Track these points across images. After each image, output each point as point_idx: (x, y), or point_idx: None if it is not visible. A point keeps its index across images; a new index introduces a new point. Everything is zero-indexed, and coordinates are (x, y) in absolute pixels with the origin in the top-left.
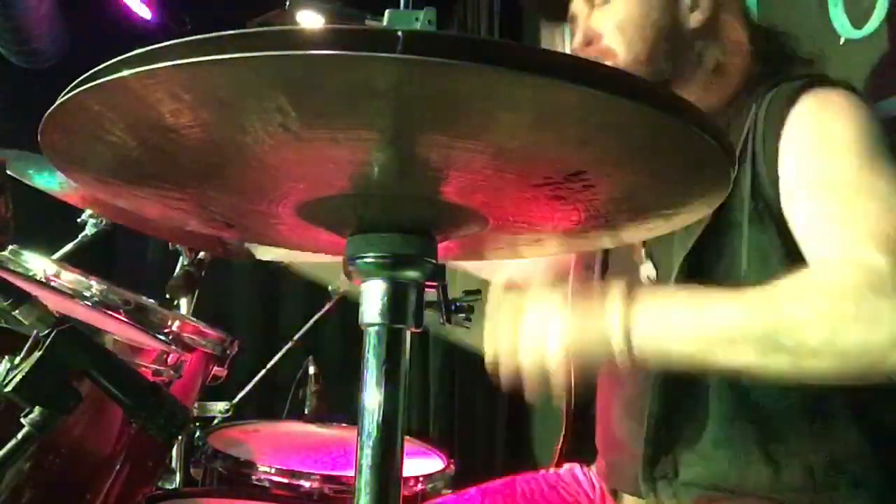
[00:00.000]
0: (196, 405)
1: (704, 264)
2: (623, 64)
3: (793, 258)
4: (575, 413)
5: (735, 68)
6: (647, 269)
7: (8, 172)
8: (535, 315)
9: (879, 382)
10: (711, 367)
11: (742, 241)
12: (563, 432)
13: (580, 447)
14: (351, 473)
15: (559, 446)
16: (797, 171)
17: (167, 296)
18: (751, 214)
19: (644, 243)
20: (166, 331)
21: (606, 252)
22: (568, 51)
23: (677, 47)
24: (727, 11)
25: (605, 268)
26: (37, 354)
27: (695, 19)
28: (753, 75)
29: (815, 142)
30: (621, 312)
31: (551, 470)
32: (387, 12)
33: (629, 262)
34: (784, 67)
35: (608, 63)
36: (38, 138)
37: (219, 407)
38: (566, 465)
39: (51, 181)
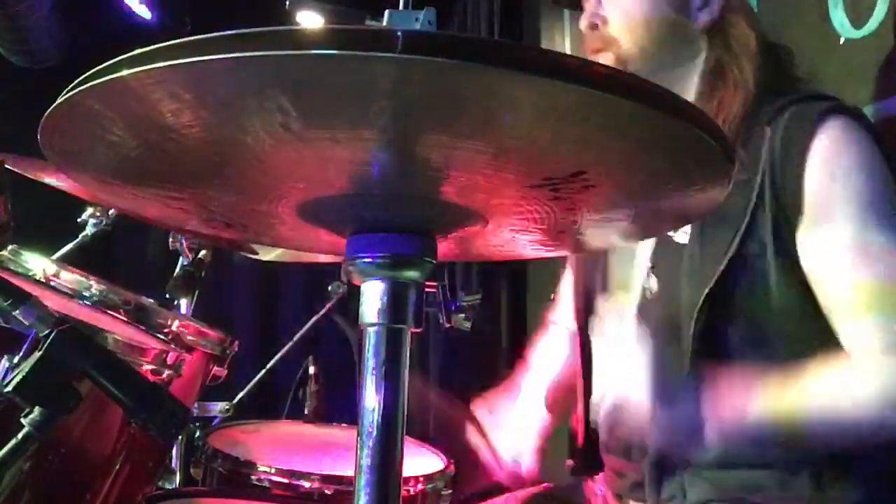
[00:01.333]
0: (196, 405)
1: (729, 296)
2: (625, 55)
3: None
4: (586, 433)
5: (739, 71)
6: (649, 283)
7: (7, 168)
8: None
9: None
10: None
11: (769, 270)
12: (573, 452)
13: (591, 465)
14: (351, 473)
15: (571, 466)
16: (825, 203)
17: (167, 296)
18: (776, 245)
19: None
20: (166, 331)
21: (606, 266)
22: (568, 48)
23: (680, 43)
24: (736, 14)
25: (604, 282)
26: (37, 354)
27: (702, 18)
28: (761, 88)
29: (844, 178)
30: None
31: (553, 484)
32: (387, 12)
33: (629, 275)
34: (791, 85)
35: (608, 51)
36: (38, 138)
37: (219, 407)
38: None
39: None
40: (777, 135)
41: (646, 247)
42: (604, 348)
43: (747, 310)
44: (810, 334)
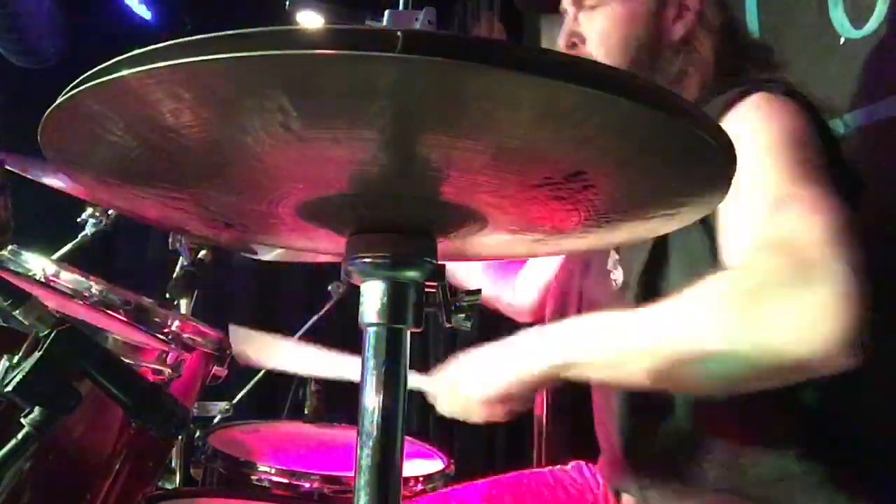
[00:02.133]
0: (196, 405)
1: (659, 273)
2: None
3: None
4: (550, 418)
5: (693, 78)
6: (616, 275)
7: (8, 168)
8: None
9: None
10: (626, 379)
11: (696, 245)
12: (538, 437)
13: (558, 451)
14: (351, 473)
15: (536, 451)
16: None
17: (167, 296)
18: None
19: (617, 249)
20: (166, 331)
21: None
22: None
23: (653, 59)
24: (704, 27)
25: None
26: (37, 354)
27: (676, 32)
28: (707, 86)
29: (741, 144)
30: (536, 339)
31: (558, 466)
32: (387, 12)
33: (603, 269)
34: (741, 76)
35: None
36: (38, 138)
37: (219, 407)
38: (573, 462)
39: None
40: None
41: None
42: None
43: (678, 286)
44: None
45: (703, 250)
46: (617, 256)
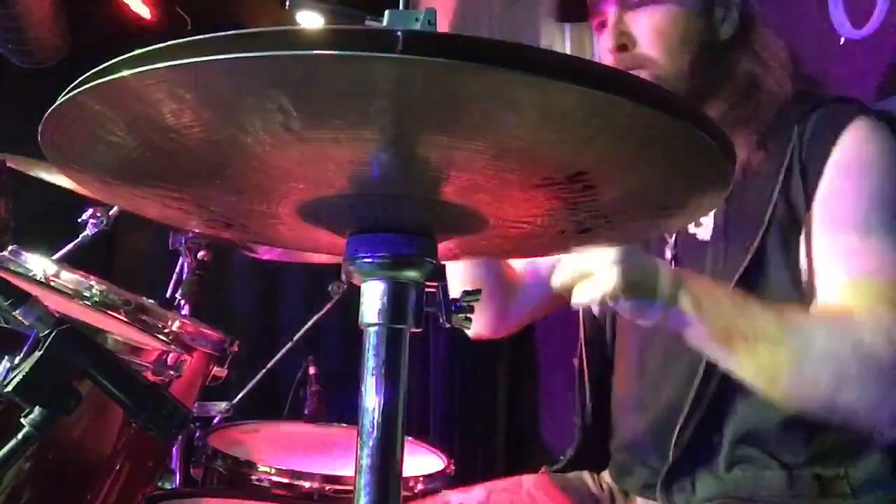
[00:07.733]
0: (196, 405)
1: (759, 283)
2: (664, 75)
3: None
4: (590, 426)
5: (773, 80)
6: None
7: (9, 166)
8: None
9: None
10: (730, 354)
11: (795, 263)
12: (576, 443)
13: (590, 459)
14: (351, 473)
15: (570, 455)
16: (834, 199)
17: (168, 295)
18: (805, 228)
19: (674, 258)
20: (166, 331)
21: None
22: (569, 51)
23: (712, 60)
24: (757, 23)
25: None
26: (37, 354)
27: (725, 32)
28: (791, 92)
29: (857, 176)
30: (673, 270)
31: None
32: (387, 12)
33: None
34: (813, 87)
35: (644, 72)
36: (38, 138)
37: (219, 407)
38: (571, 474)
39: None
40: (805, 136)
41: (666, 247)
42: (625, 349)
43: (778, 298)
44: None
45: (805, 270)
46: (673, 266)
